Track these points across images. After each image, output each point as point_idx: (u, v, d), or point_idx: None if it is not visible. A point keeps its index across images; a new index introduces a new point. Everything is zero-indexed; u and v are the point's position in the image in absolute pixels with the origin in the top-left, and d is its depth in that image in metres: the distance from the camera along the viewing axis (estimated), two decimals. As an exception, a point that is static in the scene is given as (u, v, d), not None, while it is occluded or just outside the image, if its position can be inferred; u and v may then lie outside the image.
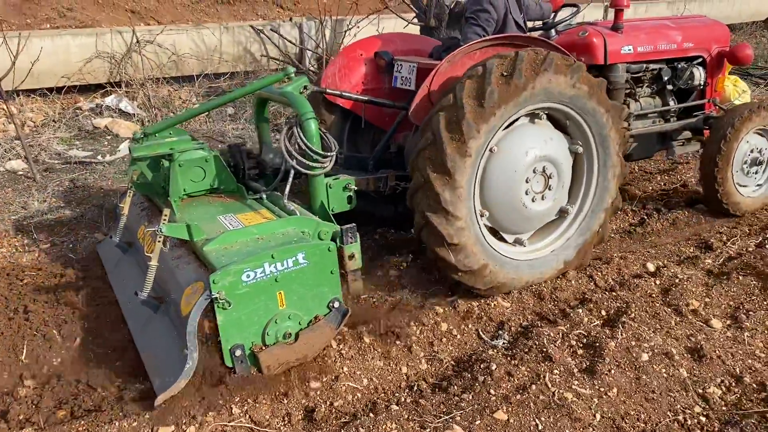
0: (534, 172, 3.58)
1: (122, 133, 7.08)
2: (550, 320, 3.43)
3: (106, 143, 6.92)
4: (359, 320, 3.29)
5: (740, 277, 3.72)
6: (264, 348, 2.82)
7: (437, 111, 3.30)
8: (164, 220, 2.98)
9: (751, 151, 4.78)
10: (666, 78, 4.67)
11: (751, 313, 3.39)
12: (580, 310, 3.45)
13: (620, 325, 3.24)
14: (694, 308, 3.46)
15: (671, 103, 4.81)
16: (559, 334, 3.23)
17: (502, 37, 3.70)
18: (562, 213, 3.84)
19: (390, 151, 4.14)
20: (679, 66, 4.75)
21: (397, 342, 3.18)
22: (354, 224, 3.13)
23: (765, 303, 3.48)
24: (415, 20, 8.03)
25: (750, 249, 4.22)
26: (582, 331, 3.25)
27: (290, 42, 8.49)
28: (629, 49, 4.35)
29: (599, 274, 3.89)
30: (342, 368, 3.00)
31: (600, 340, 3.13)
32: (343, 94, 4.12)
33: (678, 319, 3.37)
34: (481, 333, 3.34)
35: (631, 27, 4.48)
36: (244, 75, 8.59)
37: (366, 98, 4.15)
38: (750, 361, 3.06)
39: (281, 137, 3.36)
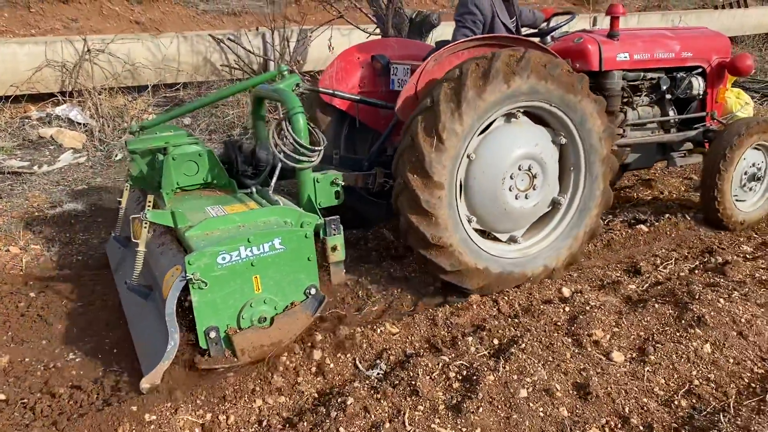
0: (519, 169, 3.62)
1: (66, 143, 6.98)
2: (437, 348, 3.19)
3: (47, 153, 6.82)
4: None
5: (657, 306, 3.45)
6: (239, 331, 2.89)
7: (416, 114, 3.39)
8: (149, 206, 3.12)
9: (750, 166, 4.69)
10: (665, 87, 4.63)
11: (659, 345, 3.13)
12: (471, 338, 3.22)
13: (508, 357, 2.99)
14: (597, 339, 3.20)
15: (670, 113, 4.80)
16: (439, 364, 2.99)
17: (489, 38, 3.75)
18: (555, 205, 3.88)
19: (387, 154, 4.13)
20: (678, 76, 4.72)
21: (259, 372, 2.97)
22: (338, 216, 3.23)
23: (677, 335, 3.20)
24: (377, 30, 7.90)
25: (681, 274, 3.97)
26: (465, 362, 3.01)
27: (250, 52, 8.37)
28: (625, 57, 4.37)
29: (506, 298, 3.65)
30: (196, 399, 2.79)
31: (480, 373, 2.88)
32: (336, 93, 4.17)
33: (575, 350, 3.12)
34: (357, 362, 3.11)
35: (627, 35, 4.51)
36: (203, 85, 8.49)
37: (358, 98, 4.23)
38: (645, 399, 2.80)
39: (269, 131, 3.43)
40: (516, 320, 3.40)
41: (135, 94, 8.07)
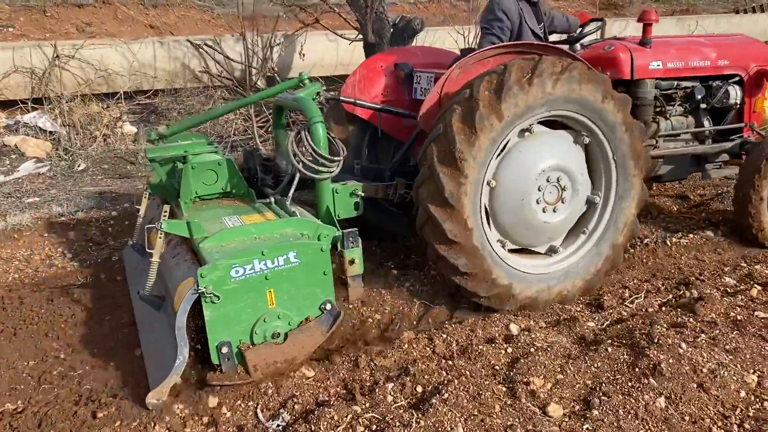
0: (548, 181, 3.55)
1: (29, 153, 6.81)
2: (352, 396, 2.85)
3: (7, 163, 6.65)
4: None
5: (612, 349, 3.08)
6: (251, 347, 2.86)
7: (428, 143, 3.35)
8: (164, 216, 3.12)
9: None
10: (699, 96, 4.50)
11: (605, 398, 2.75)
12: (392, 385, 2.88)
13: (426, 409, 2.65)
14: (534, 388, 2.84)
15: (706, 123, 4.66)
16: (347, 416, 2.66)
17: (515, 45, 3.73)
18: (591, 204, 3.79)
19: (410, 164, 4.06)
20: (714, 84, 4.58)
21: (140, 423, 2.67)
22: (356, 229, 3.18)
23: (628, 385, 2.82)
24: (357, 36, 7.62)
25: (650, 309, 3.58)
26: (378, 413, 2.67)
27: (228, 58, 8.15)
28: (658, 65, 4.29)
29: (444, 335, 3.31)
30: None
31: (391, 429, 2.55)
32: (357, 101, 4.13)
33: (507, 402, 2.76)
34: (259, 411, 2.79)
35: (661, 42, 4.41)
36: (182, 92, 8.28)
37: (380, 107, 4.18)
38: (577, 465, 2.44)
39: (288, 141, 3.38)
40: (449, 362, 3.06)
41: (109, 101, 7.91)
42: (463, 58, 3.67)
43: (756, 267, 4.12)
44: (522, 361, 3.02)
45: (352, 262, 3.15)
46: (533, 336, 3.26)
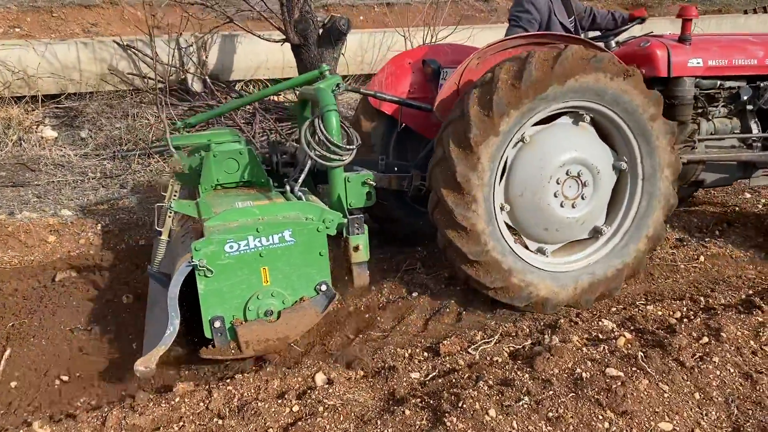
0: (567, 174, 3.50)
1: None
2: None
3: None
4: None
5: (410, 412, 2.60)
6: (244, 323, 2.93)
7: (445, 126, 3.36)
8: (174, 196, 3.28)
9: None
10: (746, 97, 4.33)
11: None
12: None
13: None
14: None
15: (753, 126, 4.50)
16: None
17: (537, 35, 3.69)
18: (596, 233, 3.76)
19: None
20: (762, 85, 4.39)
21: None
22: (362, 214, 3.22)
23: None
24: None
25: (495, 359, 3.09)
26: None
27: (151, 58, 7.81)
28: (698, 63, 4.17)
29: (228, 389, 2.85)
30: None
31: None
32: (377, 94, 4.14)
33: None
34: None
35: (701, 39, 4.30)
36: (113, 94, 7.98)
37: (400, 99, 4.19)
38: None
39: (302, 129, 3.42)
40: (219, 422, 2.62)
41: (31, 105, 7.64)
42: (483, 48, 3.63)
43: (648, 308, 3.59)
44: (300, 424, 2.57)
45: (356, 248, 3.14)
46: (332, 390, 2.79)
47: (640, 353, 2.92)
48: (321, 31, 6.90)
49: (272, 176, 3.93)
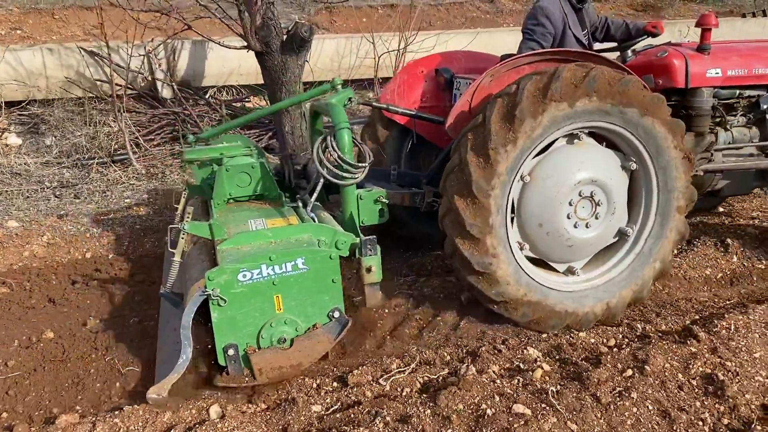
0: (580, 195, 3.49)
1: None
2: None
3: None
4: None
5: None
6: (257, 350, 2.96)
7: (464, 133, 3.33)
8: (187, 217, 3.27)
9: None
10: (765, 107, 4.33)
11: None
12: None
13: None
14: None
15: None
16: None
17: (554, 52, 3.63)
18: (622, 236, 3.73)
19: None
20: None
21: None
22: (374, 236, 3.23)
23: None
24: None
25: (405, 391, 2.94)
26: None
27: (119, 65, 7.74)
28: (716, 72, 4.14)
29: (135, 426, 2.73)
30: None
31: None
32: (390, 107, 4.14)
33: None
34: None
35: (721, 49, 4.25)
36: (76, 102, 7.90)
37: (414, 113, 4.18)
38: None
39: (314, 146, 3.44)
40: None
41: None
42: (495, 66, 3.58)
43: (580, 335, 3.44)
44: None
45: (369, 269, 3.18)
46: (222, 426, 2.66)
47: (552, 388, 2.77)
48: (285, 37, 6.78)
49: (283, 188, 3.95)
